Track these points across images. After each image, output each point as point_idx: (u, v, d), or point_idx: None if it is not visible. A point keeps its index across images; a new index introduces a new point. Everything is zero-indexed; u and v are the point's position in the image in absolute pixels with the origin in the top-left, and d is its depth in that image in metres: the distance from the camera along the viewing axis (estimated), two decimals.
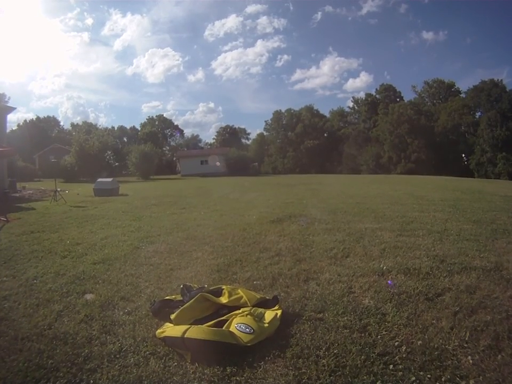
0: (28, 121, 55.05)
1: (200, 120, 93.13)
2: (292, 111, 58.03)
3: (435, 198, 9.60)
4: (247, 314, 2.35)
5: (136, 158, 33.44)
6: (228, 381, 1.83)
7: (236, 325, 2.21)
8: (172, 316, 2.38)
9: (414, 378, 1.79)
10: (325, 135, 55.09)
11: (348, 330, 2.28)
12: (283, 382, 1.81)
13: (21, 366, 1.95)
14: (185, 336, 2.08)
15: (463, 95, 48.25)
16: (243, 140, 66.68)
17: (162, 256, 4.17)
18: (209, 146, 63.90)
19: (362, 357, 1.98)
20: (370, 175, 38.22)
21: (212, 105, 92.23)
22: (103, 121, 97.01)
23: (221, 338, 2.06)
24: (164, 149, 61.30)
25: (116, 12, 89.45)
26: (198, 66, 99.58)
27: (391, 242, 4.43)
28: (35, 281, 3.35)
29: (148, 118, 65.88)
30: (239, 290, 2.72)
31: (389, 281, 3.06)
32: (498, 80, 43.60)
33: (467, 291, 2.83)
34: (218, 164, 38.64)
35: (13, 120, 59.14)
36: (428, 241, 4.46)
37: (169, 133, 66.36)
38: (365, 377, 1.82)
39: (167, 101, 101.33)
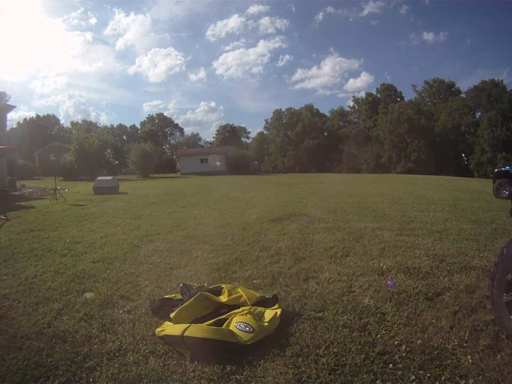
0: (28, 119, 54.97)
1: (201, 119, 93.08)
2: (292, 110, 58.07)
3: (435, 198, 9.61)
4: (246, 313, 2.35)
5: (136, 156, 33.37)
6: (228, 379, 1.83)
7: (236, 324, 2.21)
8: (172, 315, 2.38)
9: (413, 377, 1.80)
10: (325, 134, 55.09)
11: (348, 329, 2.28)
12: (283, 380, 1.81)
13: (20, 364, 1.95)
14: (184, 334, 2.07)
15: (463, 95, 48.29)
16: (243, 139, 66.66)
17: (162, 255, 4.17)
18: (209, 145, 63.85)
19: (362, 355, 1.98)
20: (370, 174, 38.22)
21: (213, 104, 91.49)
22: (104, 119, 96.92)
23: (220, 337, 2.06)
24: (164, 147, 61.22)
25: (119, 11, 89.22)
26: (199, 66, 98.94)
27: (390, 241, 4.43)
28: (35, 279, 3.35)
29: (147, 116, 65.83)
30: (238, 289, 2.72)
31: (388, 282, 3.05)
32: (498, 80, 43.68)
33: (467, 290, 2.83)
34: (218, 163, 38.57)
35: (15, 118, 58.87)
36: (427, 240, 4.47)
37: (169, 132, 66.25)
38: (364, 376, 1.82)
39: (168, 100, 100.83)
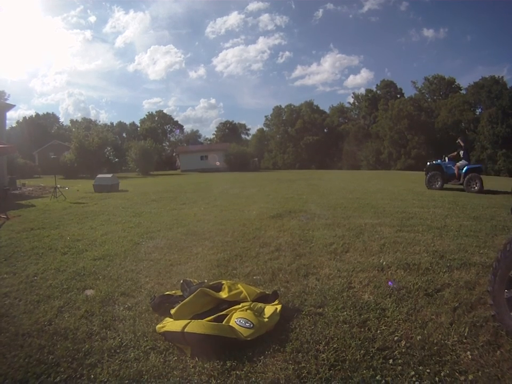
0: (27, 118, 54.77)
1: (201, 116, 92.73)
2: (292, 106, 57.88)
3: (435, 194, 9.61)
4: (247, 309, 2.35)
5: (135, 154, 33.32)
6: (228, 375, 1.83)
7: (236, 320, 2.21)
8: (172, 311, 2.39)
9: (413, 373, 1.80)
10: (325, 130, 54.99)
11: (348, 325, 2.28)
12: (283, 376, 1.82)
13: (21, 361, 1.96)
14: (185, 330, 2.08)
15: (463, 92, 48.16)
16: (243, 136, 66.39)
17: (162, 252, 4.18)
18: (209, 142, 63.68)
19: (362, 351, 1.99)
20: (370, 170, 38.20)
21: (213, 101, 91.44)
22: (104, 117, 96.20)
23: (220, 333, 2.07)
24: (164, 144, 61.14)
25: (119, 8, 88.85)
26: (199, 63, 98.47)
27: (390, 237, 4.43)
28: (35, 277, 3.36)
29: (147, 113, 65.66)
30: (239, 285, 2.72)
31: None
32: (499, 77, 43.66)
33: (466, 287, 2.83)
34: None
35: (14, 117, 58.54)
36: (427, 237, 4.47)
37: (168, 129, 66.08)
38: (364, 371, 1.82)
39: (168, 97, 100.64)
